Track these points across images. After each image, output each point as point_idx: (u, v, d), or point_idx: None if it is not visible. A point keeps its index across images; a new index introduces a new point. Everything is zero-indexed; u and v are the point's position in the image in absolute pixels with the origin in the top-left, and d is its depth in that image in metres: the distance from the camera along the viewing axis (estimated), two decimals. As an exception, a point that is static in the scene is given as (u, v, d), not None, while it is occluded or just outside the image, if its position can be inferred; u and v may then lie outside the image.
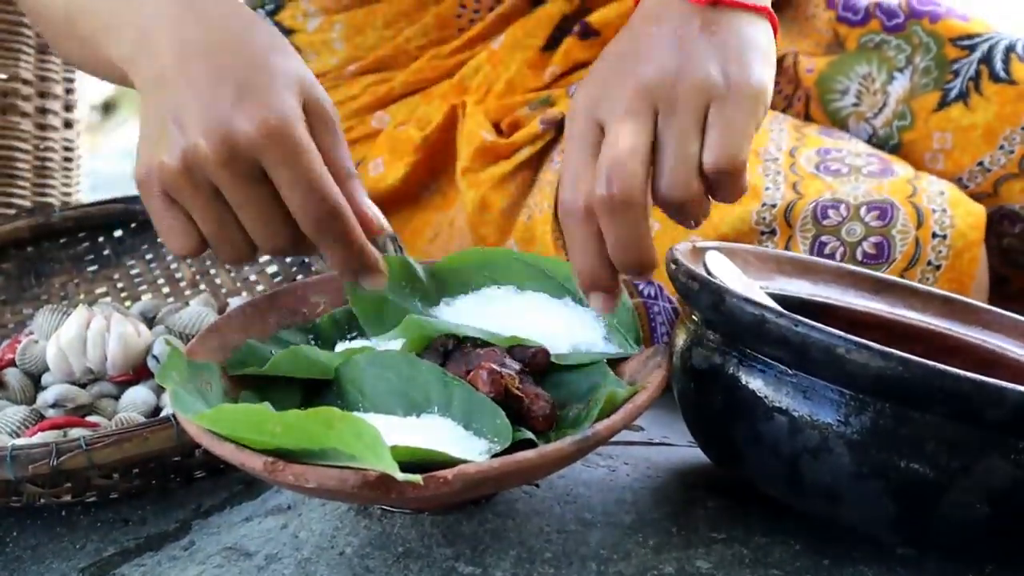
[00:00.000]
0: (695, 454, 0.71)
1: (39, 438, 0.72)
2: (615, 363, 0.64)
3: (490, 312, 0.67)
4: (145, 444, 0.68)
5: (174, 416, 0.68)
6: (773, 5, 0.66)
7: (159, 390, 0.79)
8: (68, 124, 1.18)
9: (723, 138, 0.60)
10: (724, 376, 0.60)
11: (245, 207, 0.61)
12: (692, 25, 0.63)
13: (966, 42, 0.96)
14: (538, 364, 0.63)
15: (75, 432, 0.73)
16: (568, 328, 0.66)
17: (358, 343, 0.67)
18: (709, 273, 0.64)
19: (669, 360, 0.62)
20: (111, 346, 0.79)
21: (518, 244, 0.92)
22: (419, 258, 0.71)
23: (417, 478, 0.50)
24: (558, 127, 0.94)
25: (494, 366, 0.60)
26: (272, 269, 1.00)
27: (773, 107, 1.02)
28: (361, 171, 1.03)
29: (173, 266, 1.01)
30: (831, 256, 0.83)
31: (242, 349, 0.65)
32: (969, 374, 0.52)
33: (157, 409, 0.79)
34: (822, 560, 0.60)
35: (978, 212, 0.86)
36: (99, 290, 1.01)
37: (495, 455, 0.55)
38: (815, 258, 0.76)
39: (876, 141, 0.98)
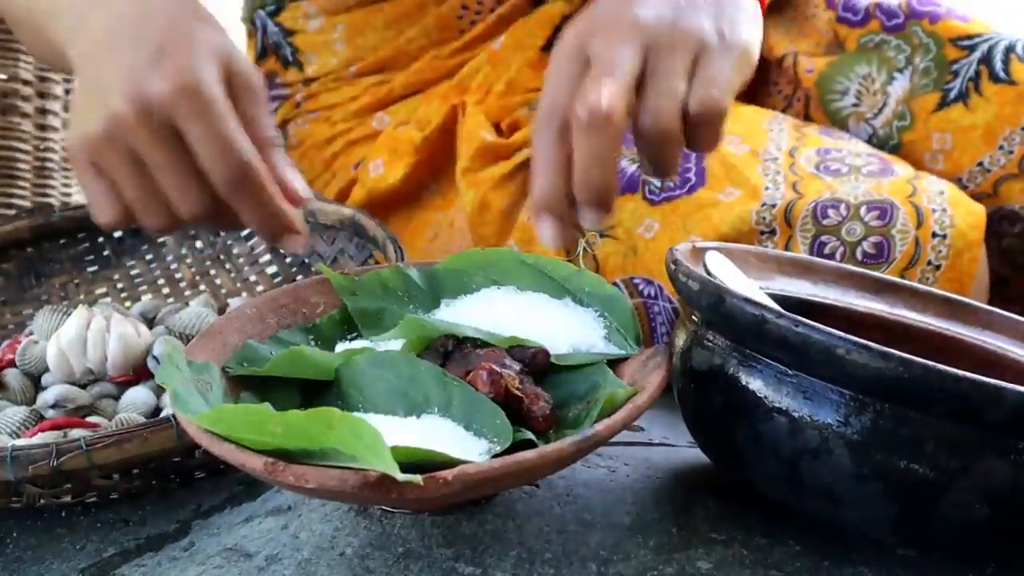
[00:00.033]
0: (695, 455, 0.71)
1: (39, 439, 0.72)
2: (615, 363, 0.64)
3: (490, 312, 0.67)
4: (145, 444, 0.68)
5: (174, 416, 0.68)
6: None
7: (159, 390, 0.79)
8: (68, 124, 1.18)
9: (710, 84, 0.63)
10: (724, 376, 0.60)
11: (163, 169, 0.63)
12: None
13: (966, 42, 0.96)
14: (538, 364, 0.63)
15: (75, 433, 0.73)
16: (568, 328, 0.66)
17: (358, 344, 0.67)
18: (709, 273, 0.64)
19: (669, 360, 0.62)
20: (111, 346, 0.79)
21: (518, 244, 0.92)
22: (419, 259, 0.71)
23: (417, 478, 0.50)
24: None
25: (494, 366, 0.60)
26: (272, 269, 1.00)
27: (773, 107, 1.02)
28: (361, 171, 1.03)
29: (173, 266, 1.01)
30: (831, 256, 0.83)
31: (242, 349, 0.65)
32: (968, 374, 0.52)
33: (157, 409, 0.79)
34: (822, 561, 0.60)
35: (978, 212, 0.86)
36: (99, 290, 1.01)
37: (495, 455, 0.55)
38: (815, 258, 0.76)
39: (876, 141, 0.98)
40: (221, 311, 0.90)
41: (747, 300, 0.57)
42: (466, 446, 0.55)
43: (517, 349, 0.63)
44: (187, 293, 0.99)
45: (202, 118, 0.62)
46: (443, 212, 1.01)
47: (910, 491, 0.55)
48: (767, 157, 0.89)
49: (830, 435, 0.56)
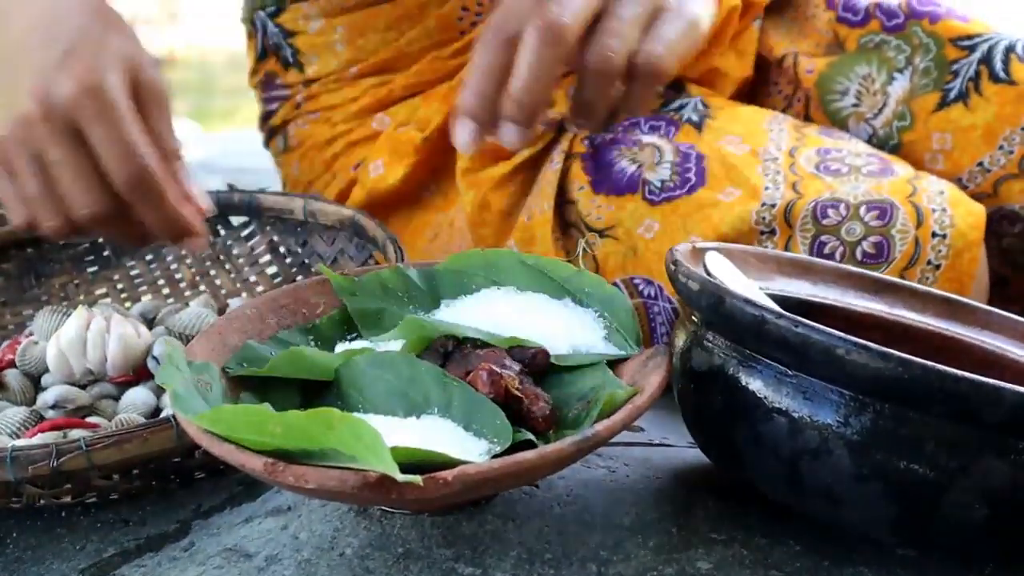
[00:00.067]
0: (695, 455, 0.71)
1: (39, 439, 0.72)
2: (615, 364, 0.64)
3: (490, 313, 0.67)
4: (145, 445, 0.68)
5: (174, 417, 0.68)
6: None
7: (159, 391, 0.79)
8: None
9: (659, 42, 0.68)
10: (724, 377, 0.60)
11: (62, 166, 0.65)
12: None
13: (966, 42, 0.96)
14: (538, 365, 0.63)
15: (75, 433, 0.73)
16: (568, 329, 0.66)
17: (358, 344, 0.67)
18: (709, 274, 0.64)
19: (669, 361, 0.62)
20: (111, 347, 0.79)
21: (518, 244, 0.92)
22: (419, 259, 0.71)
23: (417, 479, 0.50)
24: (558, 127, 0.94)
25: (494, 367, 0.60)
26: (272, 270, 1.00)
27: (773, 107, 1.02)
28: (361, 172, 1.03)
29: (173, 267, 1.01)
30: (831, 256, 0.83)
31: (242, 350, 0.65)
32: (967, 374, 0.52)
33: (157, 410, 0.79)
34: (822, 561, 0.60)
35: (978, 212, 0.86)
36: (99, 291, 1.01)
37: (495, 456, 0.55)
38: (815, 259, 0.76)
39: (876, 141, 0.98)
40: (221, 311, 0.90)
41: (747, 300, 0.57)
42: (466, 446, 0.55)
43: (517, 349, 0.63)
44: (187, 293, 0.99)
45: (104, 119, 0.64)
46: (443, 212, 1.01)
47: (910, 491, 0.55)
48: (767, 157, 0.89)
49: (830, 435, 0.56)
